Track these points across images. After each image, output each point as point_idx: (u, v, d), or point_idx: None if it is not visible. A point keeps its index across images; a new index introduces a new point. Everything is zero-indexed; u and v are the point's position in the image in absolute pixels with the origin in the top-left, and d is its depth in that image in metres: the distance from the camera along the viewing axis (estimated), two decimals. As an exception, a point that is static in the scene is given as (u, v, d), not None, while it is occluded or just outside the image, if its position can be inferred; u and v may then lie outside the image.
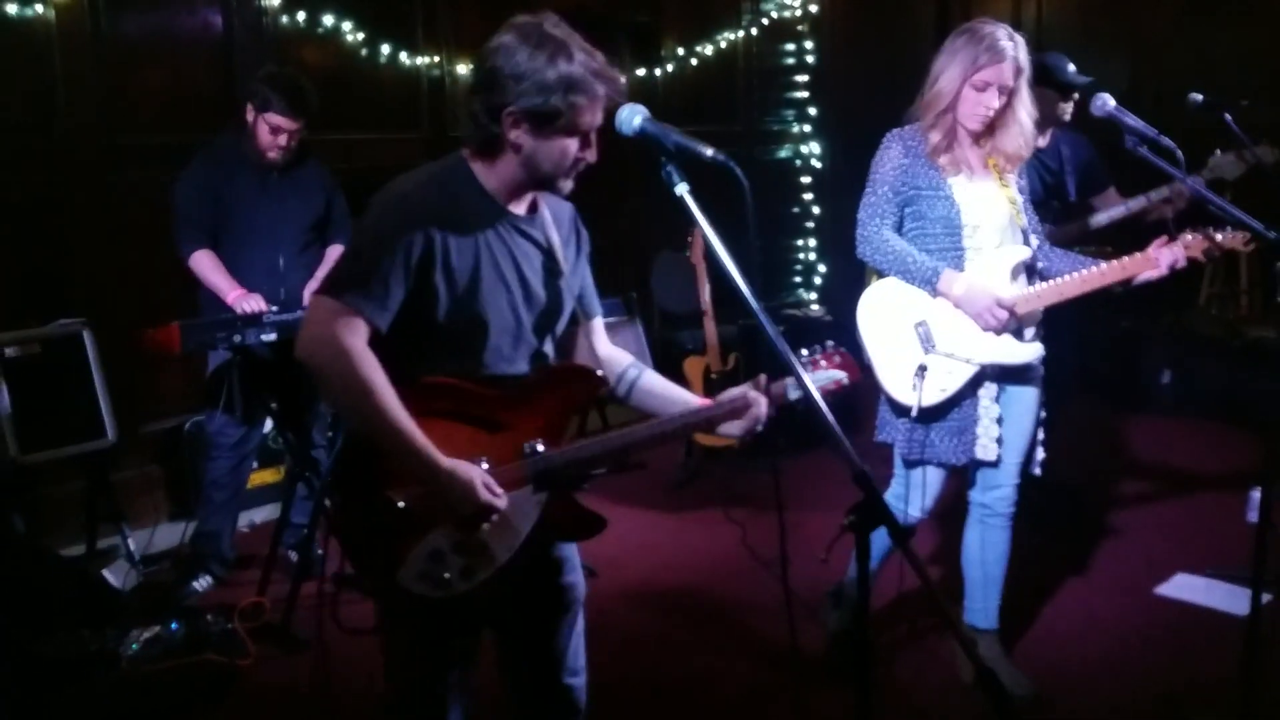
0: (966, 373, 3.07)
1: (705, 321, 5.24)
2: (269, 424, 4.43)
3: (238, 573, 4.22)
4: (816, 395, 1.77)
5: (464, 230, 2.01)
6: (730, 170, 1.82)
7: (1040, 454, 3.29)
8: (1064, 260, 3.18)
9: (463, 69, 5.69)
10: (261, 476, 4.78)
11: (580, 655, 2.36)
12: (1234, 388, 5.90)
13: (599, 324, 2.31)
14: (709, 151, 1.87)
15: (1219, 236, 3.07)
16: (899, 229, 3.12)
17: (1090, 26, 7.28)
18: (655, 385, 2.31)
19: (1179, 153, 3.01)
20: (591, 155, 2.06)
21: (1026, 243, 3.14)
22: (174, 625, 3.62)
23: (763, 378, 2.23)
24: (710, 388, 5.19)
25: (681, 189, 1.89)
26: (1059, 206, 4.16)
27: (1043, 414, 3.27)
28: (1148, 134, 3.06)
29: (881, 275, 3.17)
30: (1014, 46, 2.94)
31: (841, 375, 2.31)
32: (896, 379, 3.11)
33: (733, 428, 2.22)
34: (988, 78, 2.93)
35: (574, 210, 2.28)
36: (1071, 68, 3.99)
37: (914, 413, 3.04)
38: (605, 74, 1.98)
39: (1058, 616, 3.75)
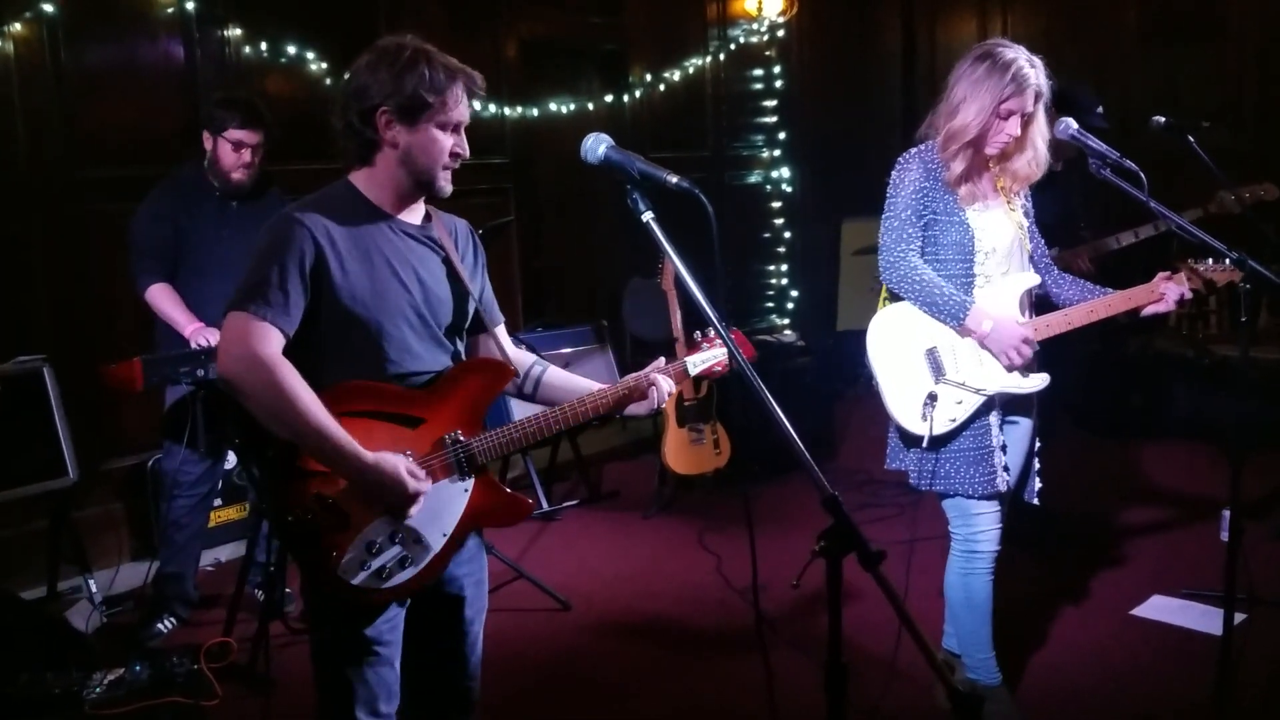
0: (975, 402, 3.01)
1: (677, 348, 5.21)
2: (232, 460, 4.36)
3: (203, 612, 4.14)
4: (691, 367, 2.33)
5: (352, 237, 2.14)
6: (695, 197, 1.82)
7: (1037, 483, 3.25)
8: (1071, 286, 3.17)
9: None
10: (226, 514, 4.71)
11: (479, 664, 2.46)
12: (1204, 408, 5.94)
13: (502, 331, 2.45)
14: (673, 179, 1.88)
15: (1211, 270, 3.06)
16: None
17: (1055, 52, 7.33)
18: (560, 379, 2.45)
19: (1142, 175, 3.03)
20: (463, 148, 2.21)
21: (1034, 268, 3.13)
22: (138, 667, 3.55)
23: (661, 360, 2.44)
24: (684, 415, 5.17)
25: (647, 216, 1.90)
26: (1083, 228, 4.16)
27: (1038, 443, 3.24)
28: (1110, 157, 3.07)
29: (893, 299, 3.11)
30: (1036, 73, 2.92)
31: (724, 354, 2.47)
32: (905, 407, 3.04)
33: (639, 407, 2.39)
34: (1012, 107, 2.90)
35: (470, 226, 2.43)
36: (1100, 110, 4.00)
37: (925, 442, 2.99)
38: (463, 71, 2.18)
39: (1034, 638, 3.74)
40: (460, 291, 2.29)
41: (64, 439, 3.94)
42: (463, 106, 2.18)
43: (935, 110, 3.04)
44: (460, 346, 2.34)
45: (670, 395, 2.40)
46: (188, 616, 4.09)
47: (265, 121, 3.91)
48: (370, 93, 2.13)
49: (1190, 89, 6.84)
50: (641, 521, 5.18)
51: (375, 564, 2.11)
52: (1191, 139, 3.21)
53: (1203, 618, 3.77)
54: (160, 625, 4.00)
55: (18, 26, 4.36)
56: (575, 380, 2.44)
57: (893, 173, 3.08)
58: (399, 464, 2.08)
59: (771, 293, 7.79)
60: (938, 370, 3.04)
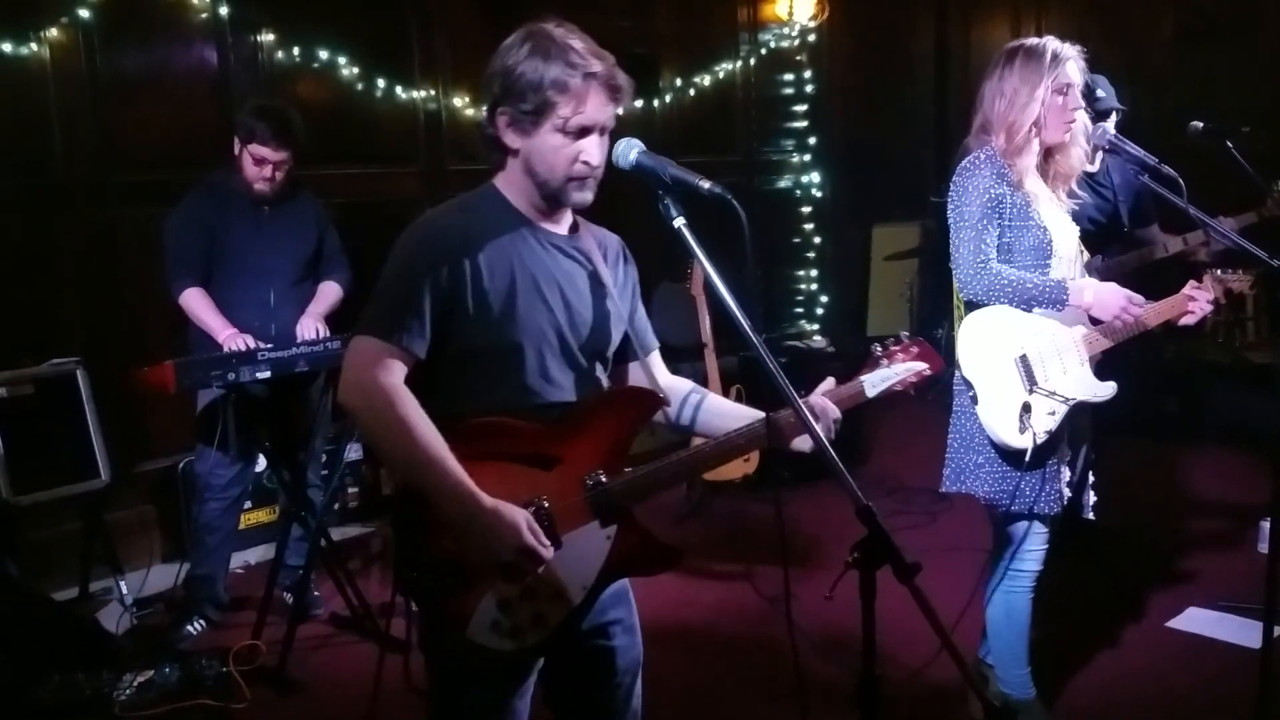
0: (1064, 412, 2.89)
1: (706, 354, 5.19)
2: (262, 463, 4.38)
3: (232, 615, 4.16)
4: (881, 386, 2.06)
5: (495, 250, 1.96)
6: (727, 203, 1.78)
7: (1091, 497, 3.19)
8: None
9: (459, 101, 5.68)
10: (256, 516, 4.74)
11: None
12: (1241, 415, 5.85)
13: (657, 357, 2.22)
14: (705, 184, 1.84)
15: (1228, 279, 3.02)
16: None
17: (1089, 55, 7.29)
18: (724, 407, 2.20)
19: (1180, 181, 2.98)
20: (591, 156, 1.96)
21: (1089, 274, 3.06)
22: (168, 669, 3.56)
23: (830, 380, 2.12)
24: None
25: (679, 222, 1.88)
26: (1127, 234, 4.07)
27: (1092, 455, 3.17)
28: (1149, 162, 3.03)
29: (968, 308, 2.99)
30: (1069, 45, 2.89)
31: (921, 366, 2.17)
32: (1002, 420, 2.87)
33: (802, 442, 2.01)
34: (1065, 81, 2.85)
35: (621, 241, 2.22)
36: (1102, 92, 3.88)
37: (1028, 456, 2.83)
38: (597, 72, 1.92)
39: (1066, 650, 3.68)
40: (608, 313, 2.08)
41: (96, 441, 3.98)
42: (594, 108, 1.93)
43: (980, 118, 2.95)
44: (602, 374, 2.11)
45: (836, 422, 2.06)
46: (217, 619, 4.10)
47: (294, 140, 3.87)
48: (493, 88, 1.95)
49: (1228, 90, 6.75)
50: (670, 528, 5.15)
51: (508, 622, 1.92)
52: (1230, 144, 3.16)
53: (1241, 630, 3.70)
54: (190, 627, 4.02)
55: (54, 32, 4.40)
56: (738, 408, 2.19)
57: (955, 179, 2.95)
58: (519, 517, 1.85)
59: (801, 298, 7.75)
60: (1030, 379, 2.88)
